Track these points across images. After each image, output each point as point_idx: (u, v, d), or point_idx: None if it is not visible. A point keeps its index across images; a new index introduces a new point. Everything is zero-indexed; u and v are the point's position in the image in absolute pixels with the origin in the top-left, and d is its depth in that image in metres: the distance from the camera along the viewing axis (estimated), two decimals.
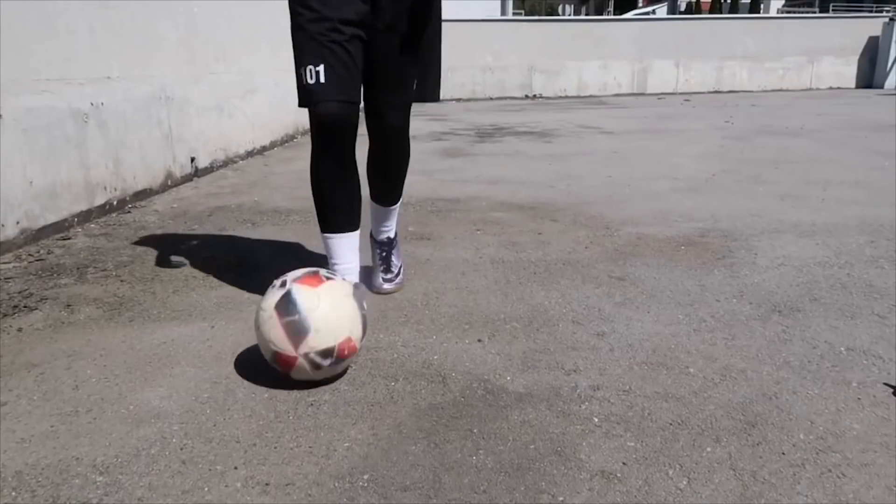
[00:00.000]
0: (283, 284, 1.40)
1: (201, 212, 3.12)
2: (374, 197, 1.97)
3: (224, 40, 4.43)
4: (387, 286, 1.98)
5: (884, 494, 1.06)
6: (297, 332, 1.35)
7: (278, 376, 1.44)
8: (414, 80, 1.79)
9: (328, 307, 1.38)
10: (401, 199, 2.01)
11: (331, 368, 1.40)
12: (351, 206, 1.77)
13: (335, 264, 1.77)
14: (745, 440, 1.21)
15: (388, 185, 1.95)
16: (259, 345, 1.42)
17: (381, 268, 1.99)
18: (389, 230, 2.03)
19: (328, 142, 1.67)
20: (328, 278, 1.44)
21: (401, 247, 2.09)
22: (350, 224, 1.77)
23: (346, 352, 1.39)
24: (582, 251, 2.41)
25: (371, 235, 2.05)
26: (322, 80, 1.55)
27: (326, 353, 1.36)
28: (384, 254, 2.00)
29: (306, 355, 1.35)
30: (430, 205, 3.13)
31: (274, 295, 1.39)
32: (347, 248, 1.78)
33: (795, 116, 7.12)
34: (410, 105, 1.84)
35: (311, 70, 1.55)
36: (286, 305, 1.36)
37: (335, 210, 1.75)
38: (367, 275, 1.98)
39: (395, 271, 2.01)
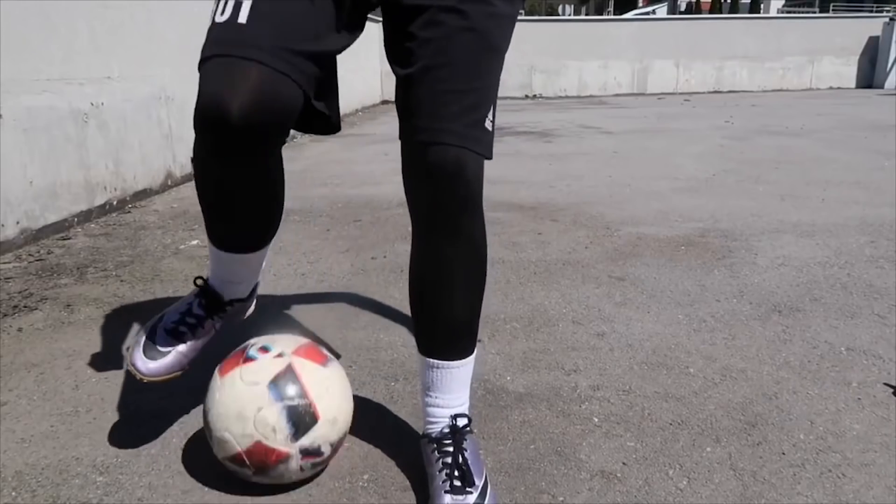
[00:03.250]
0: (281, 355, 1.06)
1: (201, 212, 3.12)
2: (426, 341, 1.09)
3: None
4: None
5: (884, 494, 1.06)
6: (298, 419, 1.02)
7: None
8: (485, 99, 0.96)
9: (339, 395, 1.09)
10: (475, 352, 1.12)
11: (316, 467, 1.08)
12: (262, 226, 1.13)
13: (230, 282, 1.16)
14: (745, 440, 1.21)
15: (447, 309, 1.05)
16: (214, 427, 1.04)
17: (446, 483, 1.02)
18: (455, 405, 1.10)
19: (225, 142, 0.89)
20: (331, 357, 1.13)
21: (478, 446, 1.13)
22: (256, 244, 1.14)
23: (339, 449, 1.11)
24: (582, 251, 2.41)
25: (424, 411, 1.11)
26: (242, 17, 0.85)
27: (332, 446, 1.07)
28: (451, 459, 1.04)
29: (305, 450, 1.03)
30: None
31: (265, 366, 1.04)
32: (247, 266, 1.16)
33: (795, 116, 7.12)
34: (489, 142, 0.97)
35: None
36: (285, 384, 1.02)
37: (234, 230, 1.11)
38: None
39: (477, 492, 1.01)
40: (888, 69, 11.77)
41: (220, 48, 0.84)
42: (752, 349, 1.59)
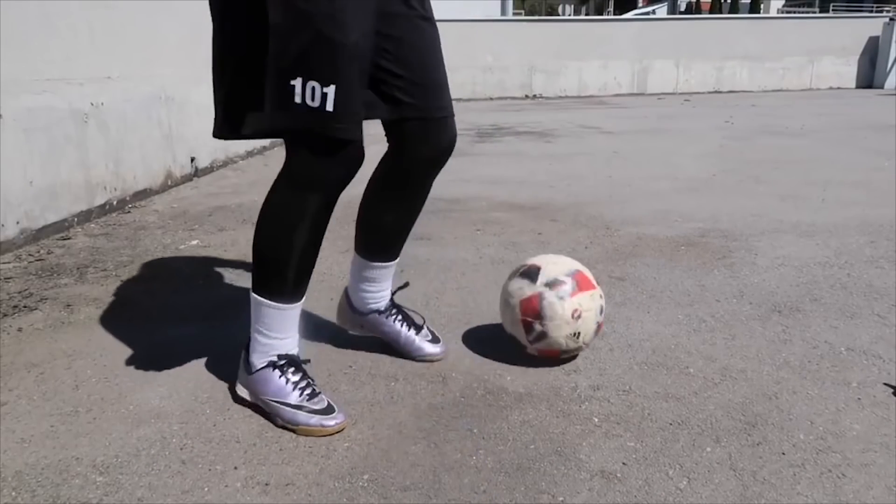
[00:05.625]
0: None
1: (201, 212, 3.12)
2: (386, 252, 1.51)
3: None
4: (434, 349, 1.55)
5: (884, 494, 1.06)
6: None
7: None
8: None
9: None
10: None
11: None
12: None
13: (280, 338, 1.32)
14: (745, 440, 1.21)
15: (406, 230, 1.53)
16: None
17: (412, 331, 1.55)
18: (388, 289, 1.56)
19: (336, 188, 1.24)
20: None
21: None
22: (304, 291, 1.35)
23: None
24: (582, 251, 2.40)
25: (363, 297, 1.53)
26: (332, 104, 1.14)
27: None
28: (402, 315, 1.55)
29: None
30: (430, 205, 3.09)
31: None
32: (296, 319, 1.35)
33: (795, 116, 7.12)
34: None
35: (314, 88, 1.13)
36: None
37: (307, 274, 1.31)
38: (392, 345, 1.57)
39: (426, 327, 1.58)
40: (888, 69, 11.75)
41: (323, 129, 1.15)
42: (752, 349, 1.59)
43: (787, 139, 5.42)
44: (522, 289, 1.47)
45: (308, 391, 1.29)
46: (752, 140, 5.40)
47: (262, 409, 1.32)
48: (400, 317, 1.56)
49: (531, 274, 1.48)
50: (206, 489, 1.09)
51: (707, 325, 1.74)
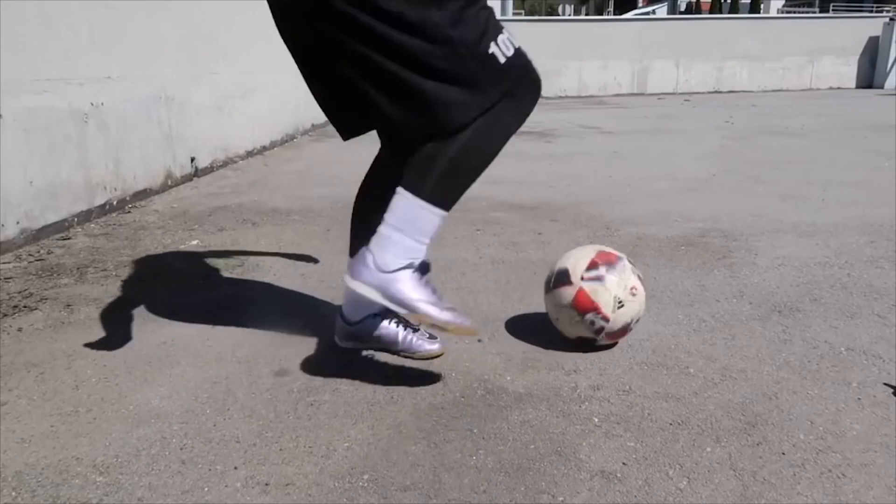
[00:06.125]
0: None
1: (201, 212, 3.12)
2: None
3: (224, 40, 4.43)
4: (433, 345, 1.58)
5: (884, 494, 1.06)
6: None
7: (278, 376, 1.45)
8: None
9: None
10: None
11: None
12: None
13: (427, 244, 1.36)
14: (745, 440, 1.21)
15: None
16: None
17: (408, 330, 1.57)
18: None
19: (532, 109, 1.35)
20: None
21: None
22: None
23: None
24: None
25: (360, 318, 1.55)
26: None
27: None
28: (396, 317, 1.58)
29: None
30: None
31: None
32: None
33: (795, 116, 7.12)
34: None
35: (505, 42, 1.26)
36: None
37: None
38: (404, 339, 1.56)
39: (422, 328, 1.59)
40: (888, 69, 11.76)
41: (531, 61, 1.29)
42: (752, 349, 1.59)
43: (786, 139, 5.42)
44: (607, 248, 1.63)
45: (438, 296, 1.32)
46: (751, 140, 5.40)
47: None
48: (395, 319, 1.56)
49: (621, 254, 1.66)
50: (206, 489, 1.10)
51: (707, 325, 1.74)
